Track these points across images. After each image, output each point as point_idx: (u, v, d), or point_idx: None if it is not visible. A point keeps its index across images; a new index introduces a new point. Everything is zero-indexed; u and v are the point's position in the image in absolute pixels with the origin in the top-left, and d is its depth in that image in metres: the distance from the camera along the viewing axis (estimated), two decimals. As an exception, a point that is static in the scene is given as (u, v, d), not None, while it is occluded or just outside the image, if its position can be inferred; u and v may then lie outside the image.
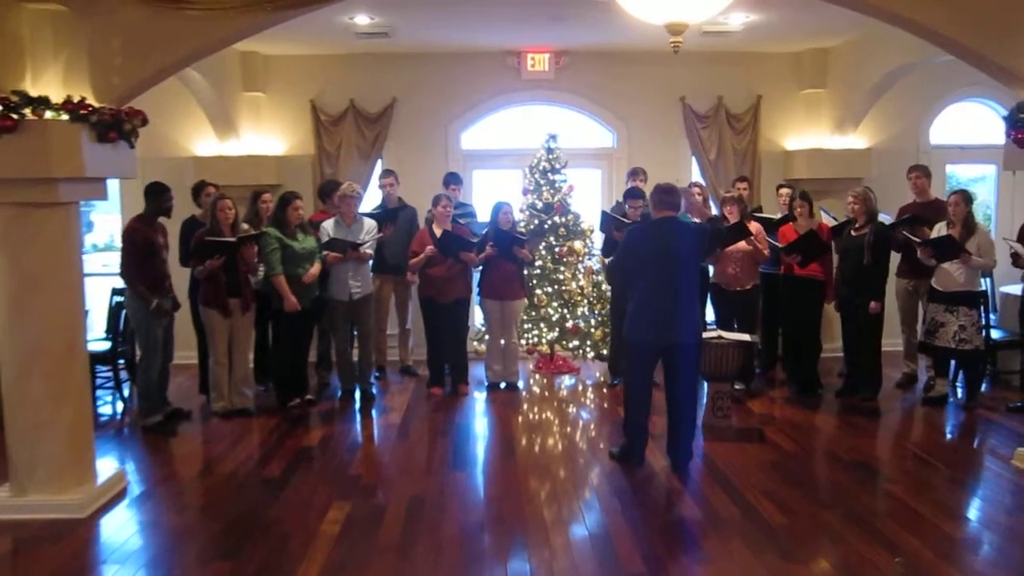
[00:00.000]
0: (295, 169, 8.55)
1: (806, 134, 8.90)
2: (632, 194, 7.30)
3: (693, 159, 8.91)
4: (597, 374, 8.13)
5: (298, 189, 7.20)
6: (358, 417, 6.86)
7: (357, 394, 7.28)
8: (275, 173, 8.41)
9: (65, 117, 4.34)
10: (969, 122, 9.24)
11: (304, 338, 7.01)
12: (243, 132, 8.47)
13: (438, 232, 7.12)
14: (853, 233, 6.82)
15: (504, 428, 6.47)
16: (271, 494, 5.03)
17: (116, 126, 4.55)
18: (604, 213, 7.33)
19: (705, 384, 6.42)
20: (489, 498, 5.00)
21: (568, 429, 6.52)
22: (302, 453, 5.82)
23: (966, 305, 6.63)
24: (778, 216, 7.36)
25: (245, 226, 6.89)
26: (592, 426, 6.60)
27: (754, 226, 7.01)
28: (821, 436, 6.23)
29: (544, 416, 6.83)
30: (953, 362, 7.07)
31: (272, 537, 4.39)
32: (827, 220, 7.35)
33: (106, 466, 5.31)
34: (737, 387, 6.89)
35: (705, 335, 6.42)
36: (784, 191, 7.77)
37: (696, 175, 8.86)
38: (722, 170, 8.78)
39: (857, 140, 8.79)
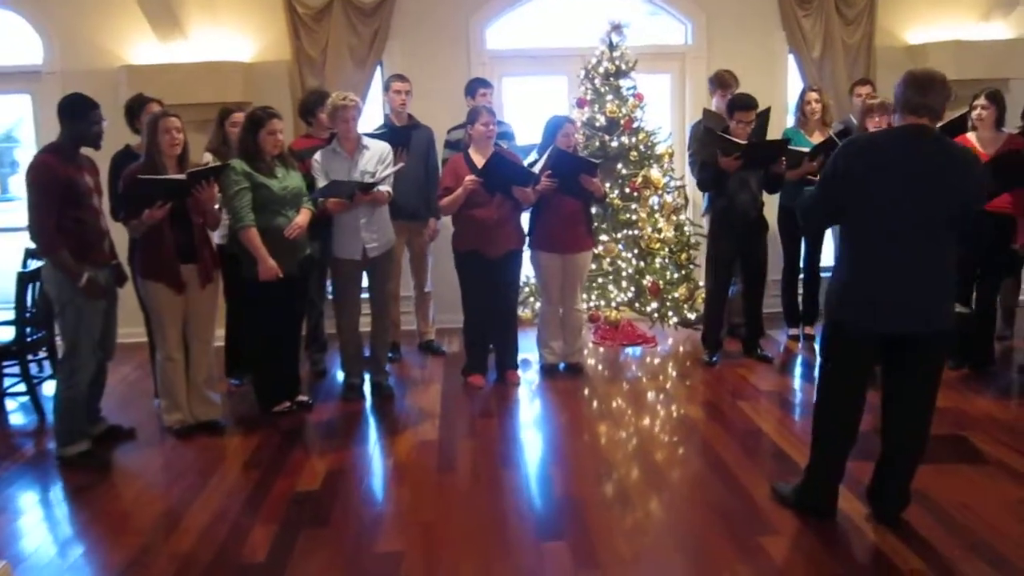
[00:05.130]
0: (267, 80, 6.33)
1: (936, 23, 6.80)
2: (742, 104, 5.28)
3: (791, 57, 6.82)
4: (670, 342, 6.21)
5: (273, 106, 4.98)
6: (374, 429, 4.83)
7: (367, 387, 5.28)
8: (240, 87, 6.17)
9: None
10: None
11: (291, 317, 4.95)
12: (192, 31, 6.23)
13: (476, 159, 5.03)
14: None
15: (594, 444, 4.47)
16: (254, 604, 3.03)
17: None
18: (708, 131, 5.26)
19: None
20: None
21: (679, 439, 4.53)
22: (299, 506, 3.79)
23: None
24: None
25: (209, 157, 4.81)
26: (716, 433, 4.55)
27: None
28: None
29: (639, 418, 4.83)
30: None
31: None
32: None
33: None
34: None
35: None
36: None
37: (795, 78, 6.78)
38: (828, 70, 6.71)
39: (1006, 30, 6.73)
